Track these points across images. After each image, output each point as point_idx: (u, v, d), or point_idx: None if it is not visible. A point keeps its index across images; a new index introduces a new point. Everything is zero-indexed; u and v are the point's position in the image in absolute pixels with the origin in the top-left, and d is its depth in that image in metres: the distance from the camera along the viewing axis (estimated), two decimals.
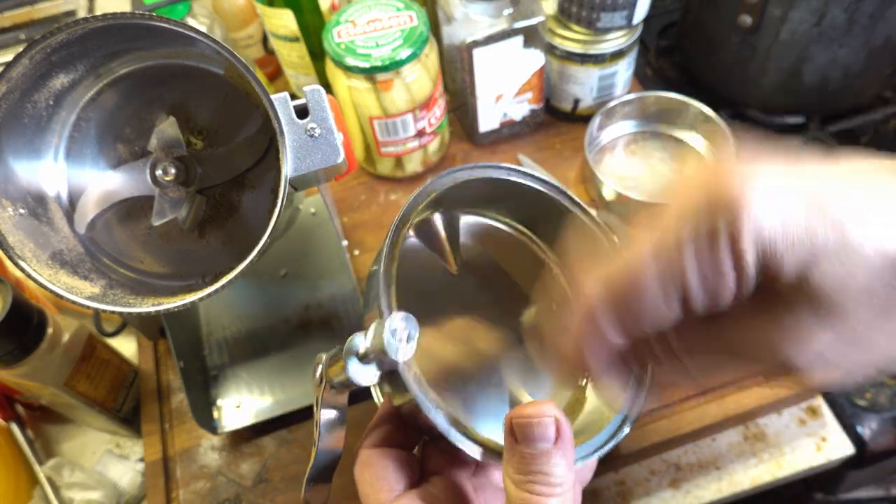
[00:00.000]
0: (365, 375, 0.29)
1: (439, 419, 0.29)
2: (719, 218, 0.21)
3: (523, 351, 0.38)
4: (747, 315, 0.24)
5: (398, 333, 0.27)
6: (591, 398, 0.38)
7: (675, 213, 0.23)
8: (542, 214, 0.39)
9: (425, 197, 0.34)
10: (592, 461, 0.34)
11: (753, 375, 0.26)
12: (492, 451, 0.30)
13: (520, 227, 0.42)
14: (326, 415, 0.32)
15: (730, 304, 0.23)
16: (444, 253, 0.40)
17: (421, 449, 0.35)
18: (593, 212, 0.38)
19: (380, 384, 0.33)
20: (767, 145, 0.23)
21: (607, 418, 0.34)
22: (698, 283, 0.22)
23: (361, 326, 0.30)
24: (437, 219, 0.39)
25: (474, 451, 0.30)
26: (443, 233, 0.40)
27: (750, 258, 0.21)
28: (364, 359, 0.28)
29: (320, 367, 0.31)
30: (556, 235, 0.41)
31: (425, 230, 0.39)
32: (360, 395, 0.34)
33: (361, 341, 0.28)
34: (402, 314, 0.27)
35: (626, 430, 0.33)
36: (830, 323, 0.22)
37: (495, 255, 0.41)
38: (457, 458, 0.34)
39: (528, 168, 0.37)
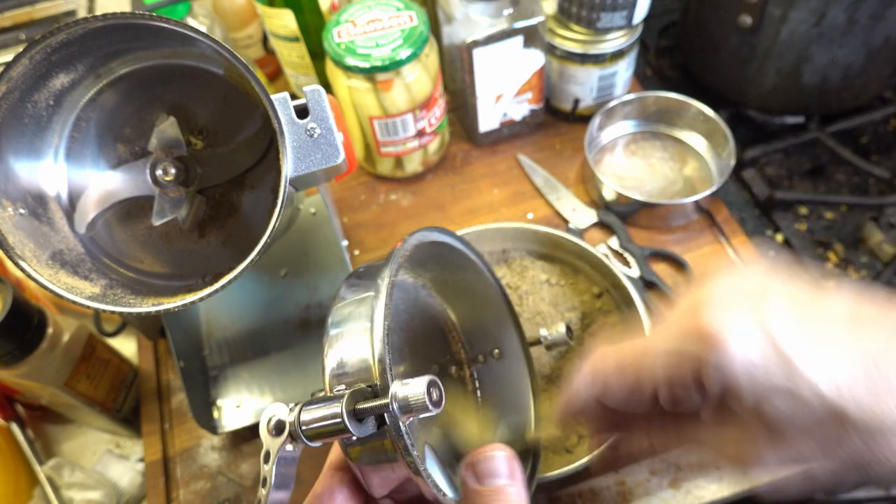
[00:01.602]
0: (360, 428, 0.28)
1: (428, 473, 0.29)
2: (697, 347, 0.27)
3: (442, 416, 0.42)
4: (711, 420, 0.30)
5: (434, 392, 0.27)
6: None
7: (666, 332, 0.29)
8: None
9: (408, 250, 0.36)
10: None
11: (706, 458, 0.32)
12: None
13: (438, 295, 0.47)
14: (281, 471, 0.29)
15: (697, 410, 0.30)
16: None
17: None
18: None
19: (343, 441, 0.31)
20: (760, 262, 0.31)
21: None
22: (667, 391, 0.30)
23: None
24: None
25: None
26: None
27: (714, 384, 0.27)
28: (359, 413, 0.28)
29: (277, 417, 0.29)
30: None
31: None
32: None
33: (393, 391, 0.27)
34: (434, 377, 0.28)
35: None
36: (779, 446, 0.27)
37: (421, 320, 0.46)
38: None
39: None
